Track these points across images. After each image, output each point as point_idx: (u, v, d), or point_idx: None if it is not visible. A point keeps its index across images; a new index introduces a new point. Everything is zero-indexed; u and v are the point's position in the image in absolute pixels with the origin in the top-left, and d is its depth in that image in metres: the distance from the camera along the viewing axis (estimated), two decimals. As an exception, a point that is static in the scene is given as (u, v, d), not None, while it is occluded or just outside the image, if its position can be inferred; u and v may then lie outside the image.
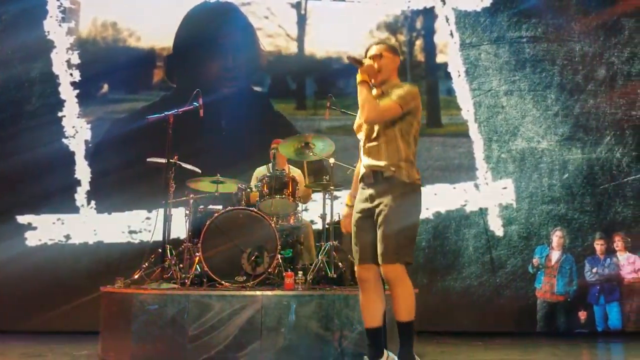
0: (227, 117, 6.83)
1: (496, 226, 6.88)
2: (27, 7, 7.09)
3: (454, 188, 6.95)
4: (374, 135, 3.33)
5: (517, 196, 6.93)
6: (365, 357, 3.41)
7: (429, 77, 7.44)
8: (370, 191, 3.29)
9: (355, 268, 3.37)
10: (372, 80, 3.39)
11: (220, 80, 7.01)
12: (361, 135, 3.45)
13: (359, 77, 3.33)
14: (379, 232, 3.20)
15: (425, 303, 6.07)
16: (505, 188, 6.94)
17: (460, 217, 6.90)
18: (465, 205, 6.92)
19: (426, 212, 6.87)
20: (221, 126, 6.77)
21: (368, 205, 3.29)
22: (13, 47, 6.99)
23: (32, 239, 6.66)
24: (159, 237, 5.02)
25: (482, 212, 6.91)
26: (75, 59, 7.01)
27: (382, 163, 3.26)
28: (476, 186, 6.96)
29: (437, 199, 6.90)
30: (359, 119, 3.40)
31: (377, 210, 3.23)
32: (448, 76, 7.18)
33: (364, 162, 3.37)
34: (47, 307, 6.25)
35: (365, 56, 3.46)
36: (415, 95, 3.33)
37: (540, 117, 7.10)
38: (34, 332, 6.09)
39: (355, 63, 3.35)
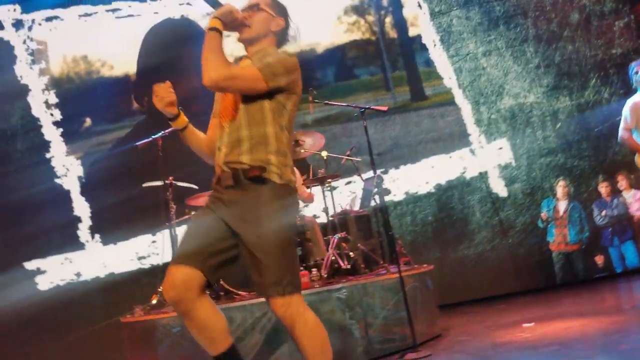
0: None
1: (499, 187, 6.87)
2: (-6, 55, 7.03)
3: (450, 157, 6.92)
4: (235, 115, 2.41)
5: (514, 154, 6.91)
6: None
7: (405, 52, 7.39)
8: (227, 196, 2.38)
9: (168, 277, 2.32)
10: (238, 35, 2.53)
11: (188, 97, 6.91)
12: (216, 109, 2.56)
13: (209, 22, 2.41)
14: (257, 258, 2.28)
15: (442, 277, 6.09)
16: (501, 148, 6.92)
17: (461, 185, 6.88)
18: (464, 173, 6.90)
19: (427, 186, 6.86)
20: None
21: (223, 212, 2.38)
22: (-12, 97, 6.94)
23: (43, 283, 6.63)
24: (167, 258, 5.00)
25: (483, 176, 6.89)
26: (53, 99, 6.95)
27: (244, 158, 2.36)
28: (472, 151, 6.94)
29: (435, 172, 6.89)
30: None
31: (239, 226, 2.33)
32: (424, 48, 7.14)
33: (220, 155, 2.43)
34: (69, 347, 6.23)
35: None
36: (291, 69, 2.43)
37: (523, 72, 7.07)
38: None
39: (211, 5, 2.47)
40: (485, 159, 6.91)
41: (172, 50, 7.10)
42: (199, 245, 2.33)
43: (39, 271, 6.65)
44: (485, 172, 6.90)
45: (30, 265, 6.63)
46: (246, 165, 2.35)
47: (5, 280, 6.36)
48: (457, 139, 6.97)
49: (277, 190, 2.36)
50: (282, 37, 2.61)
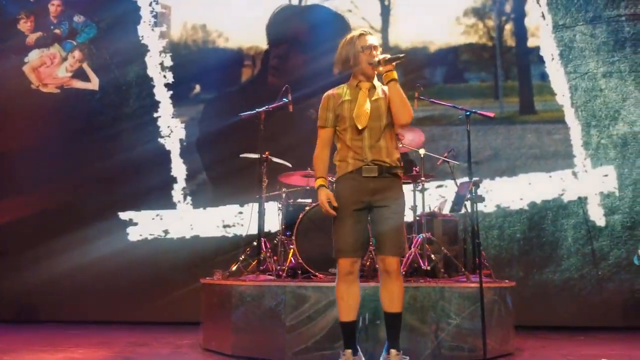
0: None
1: (597, 216, 6.53)
2: (122, 14, 7.43)
3: (550, 177, 6.65)
4: (379, 131, 3.34)
5: (619, 184, 6.53)
6: (348, 351, 3.40)
7: (521, 62, 7.13)
8: (372, 184, 3.29)
9: (344, 260, 3.32)
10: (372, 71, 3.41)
11: (310, 75, 7.01)
12: (360, 125, 3.32)
13: (394, 74, 3.31)
14: (389, 225, 3.26)
15: (522, 296, 5.88)
16: (606, 175, 6.56)
17: (557, 207, 6.60)
18: (562, 195, 6.61)
19: (520, 203, 6.64)
20: (312, 119, 6.84)
21: (368, 198, 3.30)
22: (111, 53, 7.36)
23: (133, 234, 7.00)
24: (252, 230, 5.15)
25: (582, 201, 6.57)
26: (168, 62, 7.29)
27: (386, 159, 3.31)
28: (574, 174, 6.63)
29: (532, 189, 6.63)
30: (361, 116, 3.32)
31: (381, 204, 3.29)
32: (541, 60, 6.86)
33: (366, 155, 3.31)
34: (149, 299, 6.56)
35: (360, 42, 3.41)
36: None
37: (644, 100, 6.67)
38: (138, 323, 6.41)
39: (395, 60, 3.31)
40: (588, 184, 6.58)
41: (299, 29, 7.27)
42: (361, 236, 3.33)
43: (131, 222, 7.02)
44: (585, 198, 6.57)
45: (124, 215, 7.02)
46: (388, 164, 3.32)
47: (102, 228, 6.80)
48: (561, 159, 6.67)
49: (400, 183, 3.41)
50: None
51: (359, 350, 3.49)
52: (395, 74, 3.29)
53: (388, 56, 3.30)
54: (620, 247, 6.47)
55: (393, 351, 3.38)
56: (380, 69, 3.32)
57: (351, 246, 3.28)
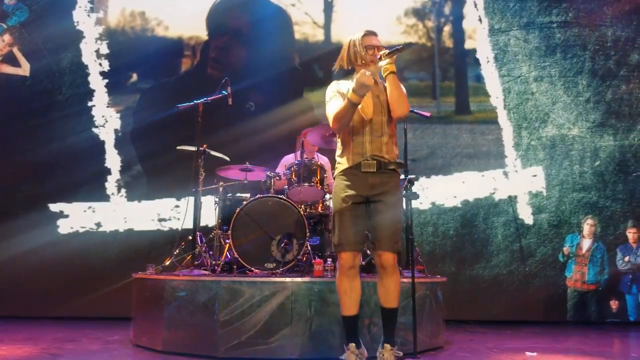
0: (257, 105, 6.86)
1: (526, 214, 6.80)
2: (56, -2, 7.16)
3: (483, 176, 6.87)
4: (380, 126, 3.42)
5: (547, 184, 6.83)
6: (352, 344, 3.46)
7: (458, 63, 7.34)
8: (371, 180, 3.35)
9: (346, 254, 3.36)
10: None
11: (250, 68, 6.98)
12: (366, 116, 3.42)
13: (392, 67, 3.41)
14: (386, 220, 3.31)
15: (453, 291, 6.08)
16: (535, 176, 6.84)
17: (488, 205, 6.83)
18: (494, 193, 6.84)
19: (454, 200, 6.82)
20: (251, 113, 6.80)
21: (366, 192, 3.35)
22: (43, 38, 7.07)
23: (64, 227, 6.76)
24: (188, 224, 5.06)
25: (512, 200, 6.83)
26: (104, 49, 7.08)
27: (386, 156, 3.37)
28: (505, 174, 6.88)
29: (465, 187, 6.84)
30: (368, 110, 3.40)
31: (378, 198, 3.33)
32: (477, 62, 7.08)
33: (365, 150, 3.38)
34: (79, 294, 6.36)
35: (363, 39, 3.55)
36: None
37: (571, 104, 6.98)
38: (67, 318, 6.22)
39: (395, 53, 3.41)
40: (517, 183, 6.84)
41: (240, 20, 7.19)
42: (361, 230, 3.36)
43: (61, 214, 6.79)
44: (515, 197, 6.83)
45: (54, 207, 6.78)
46: (387, 160, 3.37)
47: (31, 220, 6.54)
48: (493, 158, 6.91)
49: (399, 180, 3.48)
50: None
51: (362, 344, 3.55)
52: (394, 67, 3.39)
53: (387, 50, 3.40)
54: (546, 245, 6.75)
55: (387, 346, 3.44)
56: (381, 63, 3.41)
57: (352, 240, 3.33)
